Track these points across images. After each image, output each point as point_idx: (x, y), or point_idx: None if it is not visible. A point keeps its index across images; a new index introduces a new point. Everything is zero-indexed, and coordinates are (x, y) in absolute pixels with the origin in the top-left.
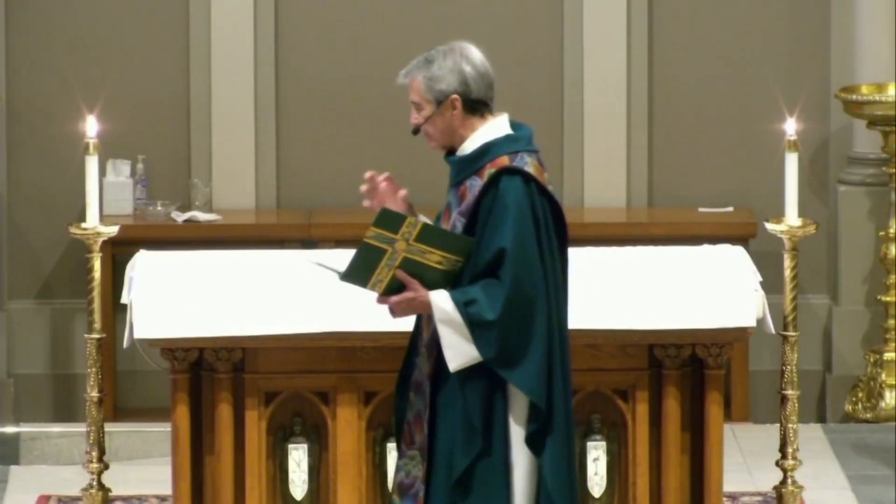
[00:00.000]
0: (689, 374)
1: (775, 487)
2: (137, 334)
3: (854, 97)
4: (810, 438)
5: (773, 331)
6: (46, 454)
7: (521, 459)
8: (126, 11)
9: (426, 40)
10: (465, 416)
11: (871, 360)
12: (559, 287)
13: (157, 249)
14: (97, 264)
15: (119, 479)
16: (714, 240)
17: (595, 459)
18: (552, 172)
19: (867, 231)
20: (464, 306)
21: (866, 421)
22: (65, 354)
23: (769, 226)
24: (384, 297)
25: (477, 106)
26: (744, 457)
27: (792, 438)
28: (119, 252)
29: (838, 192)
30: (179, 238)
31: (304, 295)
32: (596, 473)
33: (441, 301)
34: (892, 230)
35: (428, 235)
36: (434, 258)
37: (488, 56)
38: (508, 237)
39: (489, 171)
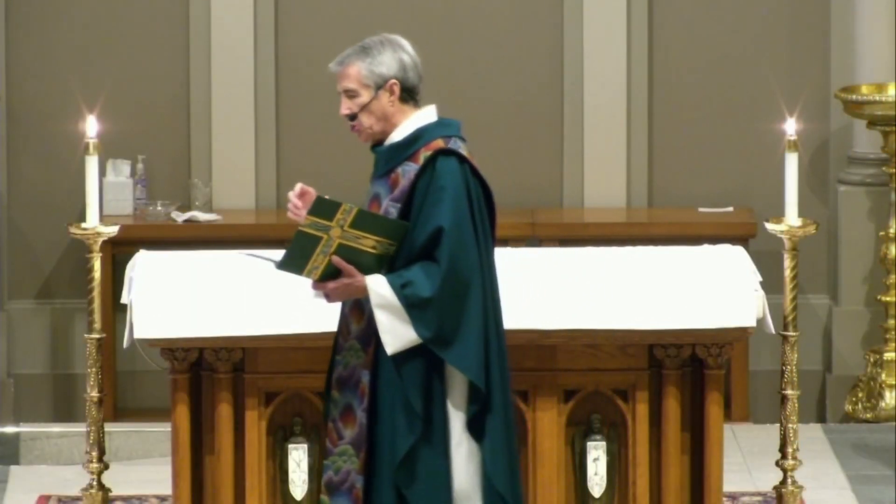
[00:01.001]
0: (689, 374)
1: (775, 487)
2: (137, 334)
3: (854, 97)
4: (810, 438)
5: (773, 331)
6: (46, 454)
7: (461, 443)
8: (126, 11)
9: (426, 40)
10: (405, 401)
11: (871, 360)
12: (492, 270)
13: (157, 249)
14: (97, 264)
15: (119, 479)
16: (714, 240)
17: (595, 459)
18: (552, 172)
19: (867, 231)
20: (400, 289)
21: (866, 421)
22: (65, 354)
23: (769, 226)
24: (320, 283)
25: (412, 93)
26: (744, 457)
27: (792, 438)
28: (119, 252)
29: (838, 192)
30: (179, 238)
31: (304, 295)
32: (596, 473)
33: (377, 286)
34: (892, 230)
35: (362, 221)
36: (368, 243)
37: (489, 55)
38: (446, 216)
39: (424, 153)
